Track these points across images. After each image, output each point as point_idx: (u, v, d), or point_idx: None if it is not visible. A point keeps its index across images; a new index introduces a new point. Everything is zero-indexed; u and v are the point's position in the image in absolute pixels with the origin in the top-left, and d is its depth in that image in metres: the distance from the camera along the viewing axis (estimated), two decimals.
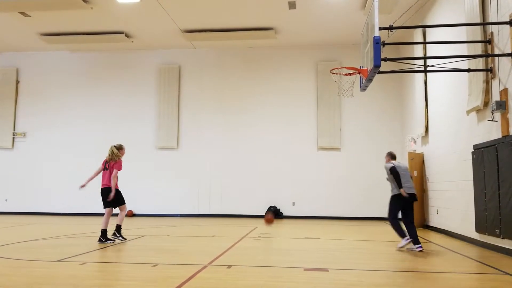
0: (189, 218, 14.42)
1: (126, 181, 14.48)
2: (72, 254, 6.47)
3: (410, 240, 7.25)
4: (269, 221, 9.40)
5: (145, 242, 8.07)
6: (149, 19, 13.01)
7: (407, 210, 7.41)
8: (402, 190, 7.26)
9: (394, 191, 7.47)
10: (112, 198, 7.87)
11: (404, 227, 7.38)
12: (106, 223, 7.88)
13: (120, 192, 8.08)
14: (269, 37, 13.93)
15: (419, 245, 7.11)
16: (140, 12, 12.58)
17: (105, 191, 7.98)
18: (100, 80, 15.96)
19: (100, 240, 7.79)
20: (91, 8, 12.11)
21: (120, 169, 8.04)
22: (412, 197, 7.38)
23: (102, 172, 8.14)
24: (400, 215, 7.48)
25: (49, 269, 5.36)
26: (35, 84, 16.22)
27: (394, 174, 7.37)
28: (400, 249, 7.31)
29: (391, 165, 7.58)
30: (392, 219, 7.47)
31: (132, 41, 14.79)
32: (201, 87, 15.52)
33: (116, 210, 8.19)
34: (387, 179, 7.67)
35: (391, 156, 8.04)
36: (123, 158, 8.24)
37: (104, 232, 7.81)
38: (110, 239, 7.87)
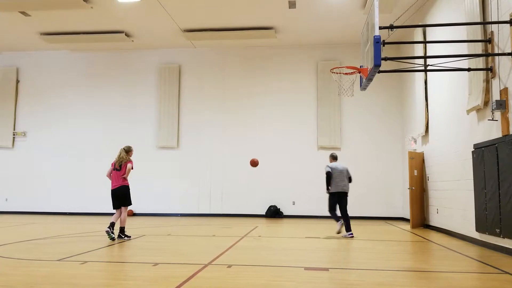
0: (190, 217, 14.43)
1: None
2: (73, 253, 6.48)
3: (342, 222, 9.09)
4: (254, 164, 9.70)
5: (145, 242, 8.07)
6: (149, 18, 13.01)
7: (341, 203, 9.02)
8: (327, 191, 9.08)
9: (330, 189, 9.06)
10: (123, 196, 8.28)
11: (339, 214, 9.14)
12: (124, 221, 8.31)
13: (130, 192, 8.44)
14: (269, 36, 13.93)
15: (351, 232, 8.91)
16: (140, 12, 12.57)
17: (117, 191, 8.27)
18: (100, 80, 15.96)
19: (119, 237, 8.23)
20: (91, 7, 12.11)
21: (132, 168, 8.39)
22: (343, 193, 9.01)
23: (112, 173, 8.38)
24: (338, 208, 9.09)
25: (49, 268, 5.36)
26: (35, 83, 16.22)
27: (326, 178, 9.05)
28: (339, 232, 9.12)
29: (328, 169, 9.08)
30: (330, 211, 9.17)
31: (132, 41, 14.79)
32: (201, 86, 15.52)
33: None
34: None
35: (333, 157, 9.50)
36: (131, 158, 8.57)
37: (122, 229, 8.27)
38: (127, 236, 8.37)
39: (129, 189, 8.38)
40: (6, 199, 15.78)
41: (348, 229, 8.97)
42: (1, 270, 5.24)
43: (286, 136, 14.89)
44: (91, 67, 16.09)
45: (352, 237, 8.85)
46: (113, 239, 7.97)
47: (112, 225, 8.05)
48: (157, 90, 15.62)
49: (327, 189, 9.06)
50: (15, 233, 9.47)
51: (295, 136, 14.85)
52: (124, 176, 8.28)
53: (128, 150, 8.48)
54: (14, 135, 16.01)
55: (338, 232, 9.14)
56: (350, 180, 9.19)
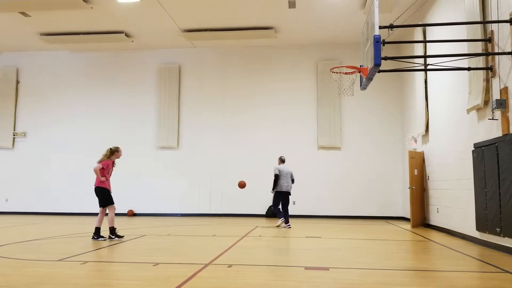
0: (190, 217, 14.43)
1: (127, 180, 14.57)
2: (73, 253, 6.48)
3: (283, 220, 10.93)
4: (242, 185, 10.80)
5: (145, 242, 8.07)
6: (149, 18, 13.01)
7: (286, 201, 10.96)
8: (273, 190, 11.00)
9: (277, 189, 10.87)
10: (98, 197, 8.13)
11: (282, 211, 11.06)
12: (100, 221, 8.13)
13: (108, 191, 8.20)
14: (269, 36, 13.92)
15: (288, 224, 10.88)
16: (140, 12, 12.57)
17: (94, 191, 8.24)
18: (100, 80, 15.96)
19: (93, 238, 8.06)
20: (91, 7, 12.11)
21: (101, 167, 8.09)
22: (288, 193, 10.95)
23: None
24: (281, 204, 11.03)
25: (50, 268, 5.36)
26: (35, 84, 16.22)
27: (275, 179, 10.85)
28: (278, 226, 11.01)
29: (277, 172, 10.92)
30: (275, 206, 11.08)
31: (132, 41, 14.79)
32: (201, 86, 15.51)
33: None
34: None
35: (281, 161, 11.24)
36: (119, 159, 8.49)
37: (97, 230, 8.07)
38: (102, 236, 8.08)
39: (102, 190, 8.10)
40: (6, 200, 15.77)
41: (287, 221, 10.90)
42: (1, 270, 5.23)
43: (286, 136, 14.88)
44: (91, 67, 16.09)
45: (290, 227, 10.77)
46: (104, 238, 8.02)
47: (96, 231, 8.02)
48: (157, 90, 15.62)
49: (273, 188, 10.91)
50: (15, 233, 9.48)
51: (295, 136, 14.84)
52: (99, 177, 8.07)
53: (114, 151, 8.29)
54: (14, 135, 16.01)
55: (278, 226, 10.99)
56: (293, 181, 11.10)
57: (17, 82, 16.27)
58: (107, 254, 6.74)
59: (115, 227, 8.22)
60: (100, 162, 8.19)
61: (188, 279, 4.71)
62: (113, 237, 8.08)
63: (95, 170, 8.11)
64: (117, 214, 8.37)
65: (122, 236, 8.26)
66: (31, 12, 12.58)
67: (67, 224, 11.71)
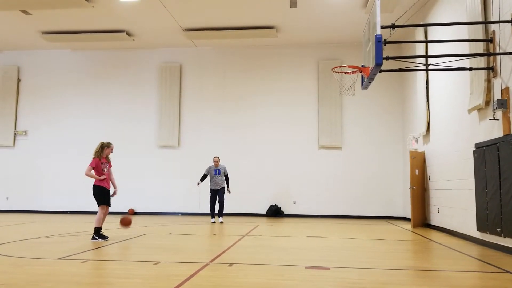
0: (190, 216, 14.43)
1: (127, 179, 14.56)
2: (74, 252, 6.49)
3: (214, 221, 12.14)
4: (125, 223, 8.18)
5: (146, 240, 8.08)
6: (151, 17, 13.01)
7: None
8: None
9: (224, 185, 12.26)
10: (95, 197, 8.00)
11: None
12: (97, 221, 7.94)
13: (104, 190, 8.05)
14: (271, 35, 13.92)
15: (220, 219, 12.18)
16: (142, 11, 12.58)
17: (92, 189, 8.12)
18: (101, 79, 15.96)
19: (93, 238, 7.88)
20: (93, 6, 12.11)
21: (92, 166, 8.02)
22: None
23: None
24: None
25: (50, 267, 5.37)
26: (37, 82, 16.23)
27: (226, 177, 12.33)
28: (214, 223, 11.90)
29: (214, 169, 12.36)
30: (213, 204, 12.22)
31: (134, 40, 14.79)
32: (202, 85, 15.51)
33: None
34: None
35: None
36: (115, 155, 8.31)
37: (96, 230, 7.89)
38: (104, 236, 7.93)
39: (98, 189, 8.00)
40: (7, 198, 15.79)
41: (216, 215, 12.39)
42: (2, 269, 5.25)
43: (287, 136, 14.88)
44: (92, 66, 16.09)
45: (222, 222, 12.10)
46: (105, 238, 7.88)
47: (95, 231, 7.85)
48: (158, 89, 15.62)
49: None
50: (16, 231, 9.49)
51: (296, 136, 14.84)
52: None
53: (105, 146, 8.12)
54: (15, 134, 16.01)
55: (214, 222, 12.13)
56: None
57: (18, 80, 16.28)
58: (108, 252, 6.75)
59: (101, 228, 7.96)
60: (90, 163, 8.02)
61: (189, 278, 4.72)
62: (97, 237, 7.83)
63: (87, 175, 7.97)
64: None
65: (107, 238, 7.96)
66: (33, 11, 12.58)
67: (68, 222, 11.72)
